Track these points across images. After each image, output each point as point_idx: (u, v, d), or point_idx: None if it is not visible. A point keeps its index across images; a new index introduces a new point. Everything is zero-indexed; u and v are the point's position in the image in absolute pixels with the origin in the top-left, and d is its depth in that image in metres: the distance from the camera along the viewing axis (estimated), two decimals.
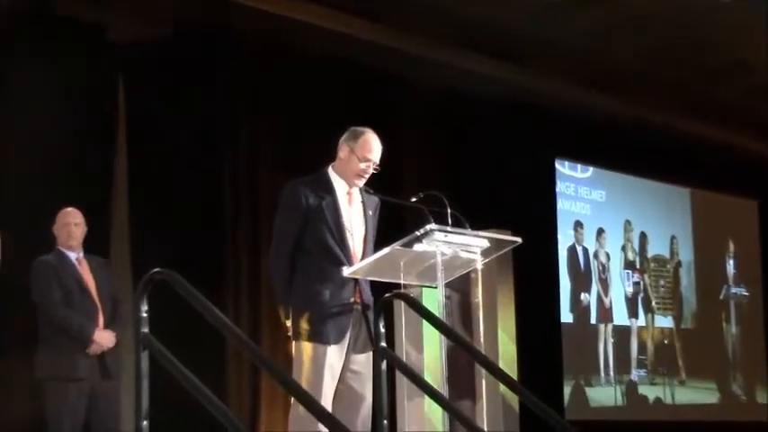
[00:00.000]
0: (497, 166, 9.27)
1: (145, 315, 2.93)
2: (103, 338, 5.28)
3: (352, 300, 4.12)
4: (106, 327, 5.35)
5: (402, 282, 4.13)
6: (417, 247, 4.04)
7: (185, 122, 7.21)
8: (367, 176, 4.24)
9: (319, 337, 4.05)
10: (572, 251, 9.99)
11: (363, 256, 4.17)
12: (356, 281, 4.14)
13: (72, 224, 5.45)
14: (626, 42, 8.58)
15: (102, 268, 5.54)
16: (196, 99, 7.33)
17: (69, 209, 5.52)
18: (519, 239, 4.35)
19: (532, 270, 8.59)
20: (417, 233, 4.00)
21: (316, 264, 4.10)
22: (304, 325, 4.06)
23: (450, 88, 8.97)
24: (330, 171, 4.27)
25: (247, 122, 7.85)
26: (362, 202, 4.28)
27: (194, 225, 7.23)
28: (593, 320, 10.07)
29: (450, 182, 7.95)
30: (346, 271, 4.08)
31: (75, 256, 5.46)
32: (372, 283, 4.23)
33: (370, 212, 4.28)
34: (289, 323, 4.11)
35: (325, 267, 4.10)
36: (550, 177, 9.90)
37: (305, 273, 4.11)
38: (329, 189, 4.20)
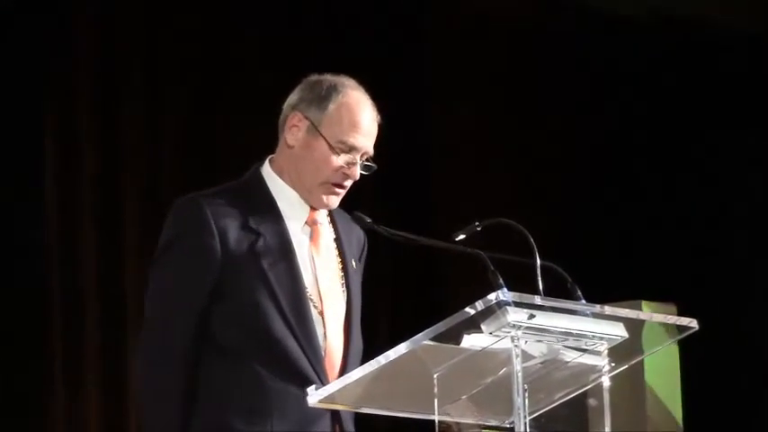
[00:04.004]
0: (637, 163, 8.24)
1: None
2: None
3: None
4: None
5: (436, 417, 3.56)
6: (470, 340, 3.48)
7: None
8: (348, 185, 3.73)
9: None
10: None
11: (346, 361, 3.70)
12: (336, 412, 3.65)
13: None
14: None
15: None
16: None
17: None
18: (693, 322, 3.78)
19: (721, 383, 7.82)
20: (470, 311, 3.35)
21: (247, 376, 3.60)
22: None
23: None
24: (267, 173, 3.75)
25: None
26: (337, 239, 3.78)
27: None
28: None
29: (537, 199, 7.63)
30: (314, 396, 3.41)
31: None
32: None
33: (353, 262, 3.79)
34: None
35: (264, 386, 3.60)
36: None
37: (220, 398, 3.60)
38: (271, 212, 3.69)
